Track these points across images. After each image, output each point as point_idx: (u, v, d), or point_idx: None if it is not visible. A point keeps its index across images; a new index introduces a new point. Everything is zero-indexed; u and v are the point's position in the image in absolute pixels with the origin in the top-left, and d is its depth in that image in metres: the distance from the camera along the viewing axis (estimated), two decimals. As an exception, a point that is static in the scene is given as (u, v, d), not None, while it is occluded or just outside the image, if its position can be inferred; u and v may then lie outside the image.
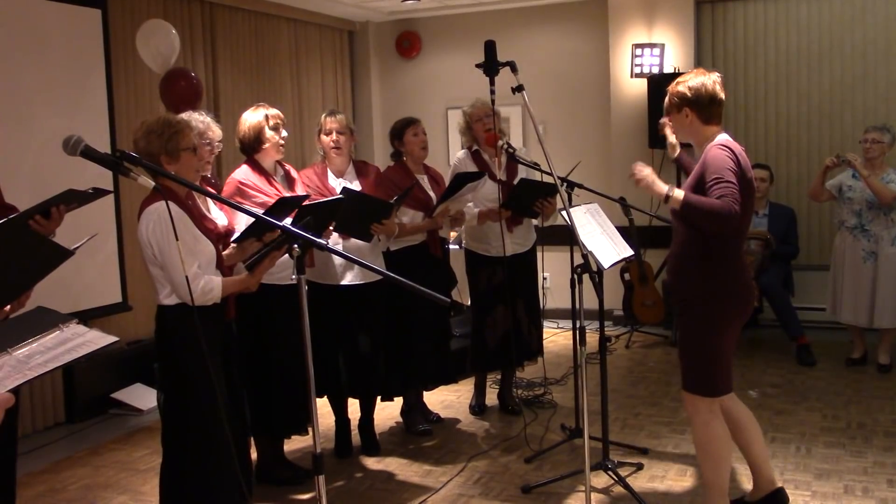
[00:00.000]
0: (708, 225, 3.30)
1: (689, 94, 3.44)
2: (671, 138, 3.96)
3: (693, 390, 3.52)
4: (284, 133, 4.26)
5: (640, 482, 4.28)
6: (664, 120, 3.91)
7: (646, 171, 3.52)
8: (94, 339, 2.04)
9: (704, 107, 3.44)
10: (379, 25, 8.86)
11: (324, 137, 4.61)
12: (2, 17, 5.12)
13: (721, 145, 3.38)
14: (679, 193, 3.34)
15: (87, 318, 5.18)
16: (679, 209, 3.34)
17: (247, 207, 3.26)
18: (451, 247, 5.48)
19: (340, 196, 4.20)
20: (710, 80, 3.45)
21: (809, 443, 4.74)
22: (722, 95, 3.47)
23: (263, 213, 3.36)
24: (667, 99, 3.56)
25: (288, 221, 3.35)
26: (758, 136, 7.66)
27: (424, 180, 5.01)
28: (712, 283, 3.40)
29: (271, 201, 4.04)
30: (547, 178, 4.85)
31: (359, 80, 8.97)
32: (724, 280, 3.41)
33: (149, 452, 4.97)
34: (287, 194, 4.08)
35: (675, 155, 4.07)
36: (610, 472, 4.25)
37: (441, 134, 8.52)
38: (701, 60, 7.75)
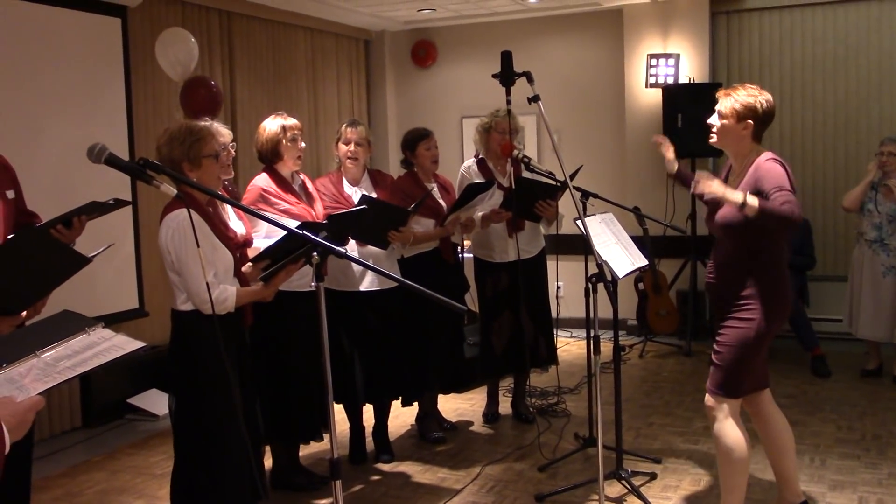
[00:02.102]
0: (778, 227, 3.41)
1: (759, 110, 3.51)
2: (669, 154, 4.06)
3: (721, 391, 3.57)
4: (302, 144, 4.30)
5: (653, 492, 4.28)
6: (659, 139, 4.03)
7: (713, 184, 3.46)
8: (120, 344, 2.05)
9: (764, 125, 3.56)
10: (395, 35, 8.91)
11: (342, 146, 4.64)
12: (24, 26, 5.19)
13: (775, 159, 3.48)
14: (754, 200, 3.34)
15: (105, 323, 5.22)
16: (757, 215, 3.33)
17: (269, 216, 3.28)
18: (466, 255, 5.50)
19: (364, 206, 4.24)
20: (771, 100, 3.56)
21: (824, 454, 4.72)
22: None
23: (283, 232, 3.38)
24: (729, 104, 3.53)
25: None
26: (773, 146, 7.65)
27: (434, 189, 5.04)
28: (761, 289, 3.48)
29: (293, 209, 4.08)
30: (555, 185, 4.89)
31: (374, 88, 9.02)
32: (771, 287, 3.50)
33: (164, 458, 5.00)
34: (299, 210, 4.10)
35: (675, 170, 4.12)
36: (623, 482, 4.26)
37: (455, 143, 8.54)
38: (716, 71, 7.76)
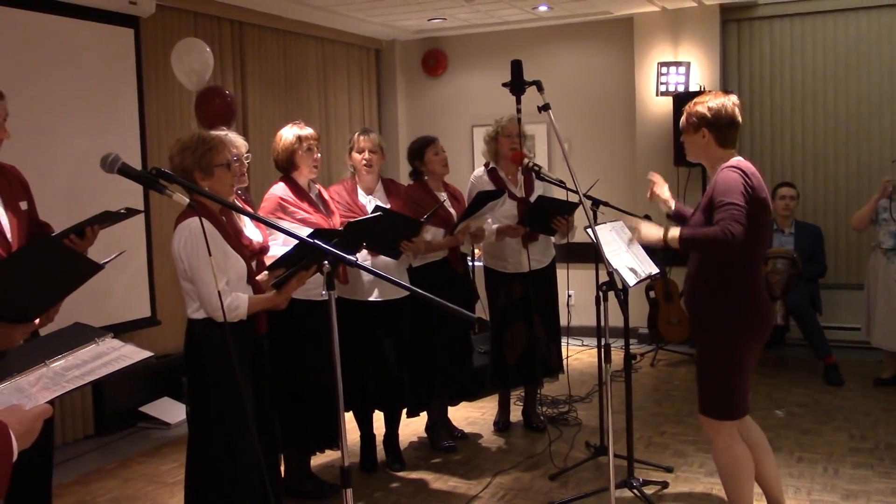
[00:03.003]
0: (712, 254, 3.31)
1: (708, 115, 3.41)
2: (663, 195, 3.93)
3: (711, 414, 3.48)
4: (318, 154, 4.32)
5: (665, 501, 4.27)
6: (654, 178, 3.94)
7: (643, 233, 3.55)
8: (129, 354, 2.07)
9: (723, 129, 3.41)
10: (405, 44, 8.94)
11: (356, 155, 4.66)
12: (37, 36, 5.24)
13: (731, 166, 3.36)
14: (674, 233, 3.35)
15: (117, 332, 5.21)
16: (680, 247, 3.35)
17: (285, 225, 3.30)
18: (476, 263, 5.50)
19: (380, 213, 4.25)
20: (729, 103, 3.43)
21: (837, 463, 4.70)
22: (740, 119, 3.46)
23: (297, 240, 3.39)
24: (683, 118, 3.52)
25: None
26: (784, 154, 7.65)
27: (445, 197, 5.05)
28: (729, 305, 3.37)
29: (311, 217, 4.10)
30: (572, 196, 4.88)
31: (385, 97, 9.05)
32: (741, 302, 3.37)
33: (176, 466, 5.02)
34: (317, 219, 4.12)
35: (672, 208, 3.94)
36: (635, 491, 4.25)
37: (466, 151, 8.56)
38: (727, 78, 7.75)
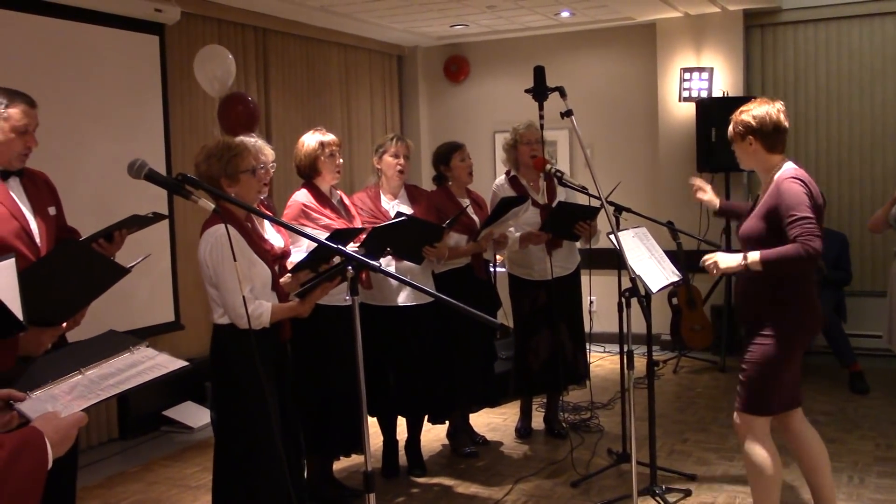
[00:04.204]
0: (794, 270, 3.40)
1: (753, 123, 3.50)
2: (706, 197, 4.07)
3: (749, 410, 3.54)
4: (340, 160, 4.34)
5: (688, 509, 4.24)
6: (696, 182, 4.07)
7: (712, 259, 3.56)
8: (163, 363, 2.08)
9: (769, 135, 3.51)
10: (427, 50, 8.97)
11: (389, 159, 4.67)
12: (64, 43, 5.30)
13: (793, 178, 3.43)
14: (754, 257, 3.41)
15: (141, 336, 5.28)
16: (763, 270, 3.40)
17: (307, 230, 3.32)
18: (498, 270, 5.50)
19: (405, 217, 4.27)
20: (774, 109, 3.52)
21: (862, 472, 4.65)
22: (786, 124, 3.55)
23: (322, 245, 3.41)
24: (730, 127, 3.61)
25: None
26: (808, 160, 7.58)
27: (468, 204, 5.05)
28: (784, 306, 3.45)
29: (334, 224, 4.11)
30: (595, 202, 4.87)
31: (407, 103, 9.07)
32: (796, 304, 3.47)
33: (199, 469, 5.05)
34: (339, 225, 4.14)
35: (718, 207, 4.11)
36: (658, 498, 4.22)
37: (488, 157, 8.56)
38: (750, 84, 7.71)
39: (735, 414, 3.61)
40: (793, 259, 3.31)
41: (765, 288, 3.47)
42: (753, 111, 3.52)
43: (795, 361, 3.56)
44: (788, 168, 3.51)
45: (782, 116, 3.52)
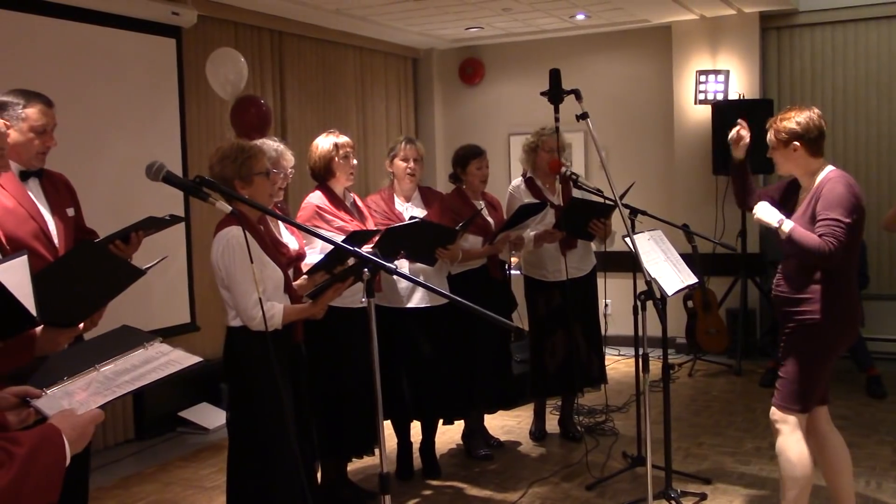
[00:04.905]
0: (805, 258, 3.48)
1: (798, 129, 3.56)
2: (742, 142, 3.88)
3: (786, 403, 3.57)
4: (354, 161, 4.35)
5: (703, 513, 4.22)
6: (741, 126, 3.88)
7: (758, 211, 3.64)
8: (178, 359, 2.08)
9: (814, 140, 3.58)
10: (442, 53, 8.98)
11: (399, 163, 4.68)
12: (82, 46, 5.34)
13: (841, 180, 3.51)
14: (787, 226, 3.51)
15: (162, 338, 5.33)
16: (784, 241, 3.52)
17: (323, 233, 3.33)
18: (513, 272, 5.50)
19: (418, 220, 4.27)
20: (815, 115, 3.61)
21: (880, 477, 4.62)
22: (825, 128, 3.64)
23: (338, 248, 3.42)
24: (770, 135, 3.65)
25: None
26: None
27: (482, 206, 5.05)
28: (827, 303, 3.49)
29: (348, 226, 4.12)
30: (610, 204, 4.86)
31: (422, 106, 9.08)
32: (838, 301, 3.51)
33: (214, 471, 5.07)
34: (353, 227, 4.15)
35: (741, 158, 3.91)
36: (673, 502, 4.21)
37: (503, 160, 8.56)
38: (766, 87, 7.68)
39: (772, 409, 3.64)
40: (811, 249, 3.40)
41: (809, 285, 3.51)
42: (797, 118, 3.58)
43: (834, 358, 3.62)
44: (830, 171, 3.59)
45: (822, 122, 3.63)
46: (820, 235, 3.40)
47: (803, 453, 3.54)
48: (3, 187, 3.15)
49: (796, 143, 3.57)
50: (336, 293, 3.42)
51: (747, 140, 3.93)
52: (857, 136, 7.48)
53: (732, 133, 3.92)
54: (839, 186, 3.48)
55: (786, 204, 3.71)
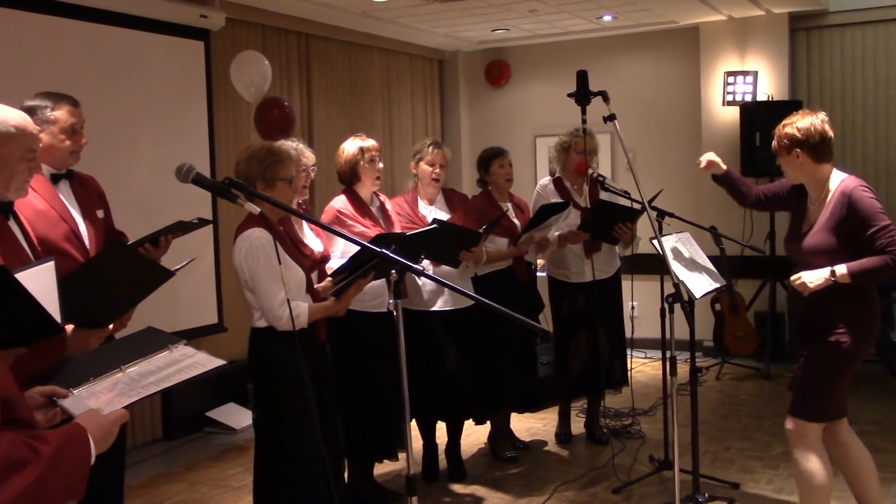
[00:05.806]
0: (880, 280, 3.44)
1: (798, 136, 3.49)
2: (708, 161, 3.98)
3: (803, 414, 3.52)
4: (380, 165, 4.36)
5: (731, 517, 4.19)
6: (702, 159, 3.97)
7: (799, 280, 3.48)
8: (202, 362, 2.10)
9: (815, 147, 3.49)
10: (468, 55, 8.98)
11: (424, 167, 4.68)
12: (112, 49, 5.39)
13: (860, 187, 3.45)
14: (842, 271, 3.38)
15: (185, 338, 5.36)
16: (852, 282, 3.38)
17: (344, 231, 3.34)
18: (539, 273, 5.49)
19: (435, 226, 4.27)
20: (818, 120, 3.52)
21: (911, 483, 4.56)
22: (831, 133, 3.54)
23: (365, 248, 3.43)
24: (775, 141, 3.61)
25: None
26: (856, 165, 7.45)
27: (509, 207, 5.05)
28: (848, 315, 3.45)
29: (368, 231, 4.13)
30: (637, 207, 4.84)
31: (448, 108, 9.09)
32: (859, 312, 3.48)
33: (241, 471, 5.10)
34: (374, 233, 4.16)
35: (722, 171, 3.99)
36: (700, 506, 4.18)
37: (529, 162, 8.55)
38: (795, 88, 7.61)
39: (787, 419, 3.58)
40: (881, 270, 3.34)
41: (830, 296, 3.43)
42: (797, 123, 3.51)
43: (853, 369, 3.56)
44: (846, 177, 3.51)
45: (827, 127, 3.52)
46: (883, 248, 3.31)
47: (820, 464, 3.48)
48: (35, 190, 3.18)
49: (798, 150, 3.50)
50: (358, 289, 3.44)
51: (714, 159, 3.97)
52: (888, 138, 7.39)
53: (700, 167, 4.00)
54: (865, 196, 3.41)
55: (793, 206, 3.67)
